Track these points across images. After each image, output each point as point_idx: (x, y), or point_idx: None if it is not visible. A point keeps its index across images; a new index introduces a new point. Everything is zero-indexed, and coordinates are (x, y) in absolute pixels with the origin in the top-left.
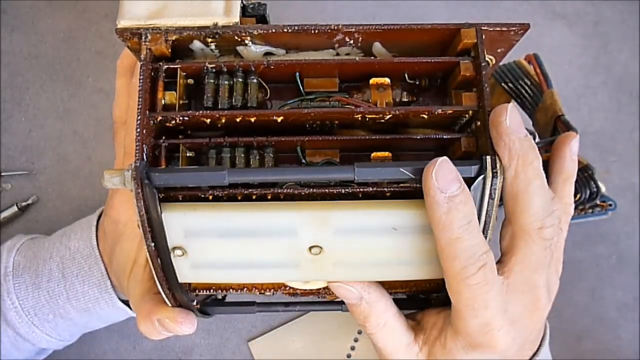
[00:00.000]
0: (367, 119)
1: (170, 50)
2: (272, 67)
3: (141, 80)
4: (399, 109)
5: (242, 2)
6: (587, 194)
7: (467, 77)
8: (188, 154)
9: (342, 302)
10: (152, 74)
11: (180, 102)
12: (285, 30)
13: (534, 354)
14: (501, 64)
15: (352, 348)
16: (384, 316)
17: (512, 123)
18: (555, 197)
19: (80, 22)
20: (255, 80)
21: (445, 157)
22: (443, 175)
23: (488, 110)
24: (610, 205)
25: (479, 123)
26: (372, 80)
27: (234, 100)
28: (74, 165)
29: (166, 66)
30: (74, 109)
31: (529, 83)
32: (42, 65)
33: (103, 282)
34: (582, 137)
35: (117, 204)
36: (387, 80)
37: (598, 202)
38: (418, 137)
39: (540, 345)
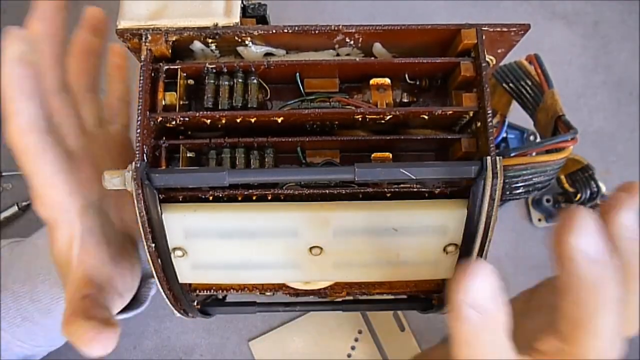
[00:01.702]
0: (368, 120)
1: (170, 50)
2: (272, 67)
3: (141, 81)
4: (399, 109)
5: (242, 2)
6: (588, 194)
7: (467, 77)
8: (188, 155)
9: (342, 302)
10: (153, 74)
11: (181, 102)
12: (286, 30)
13: None
14: (502, 64)
15: (353, 348)
16: None
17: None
18: None
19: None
20: (255, 81)
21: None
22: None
23: (488, 112)
24: None
25: (479, 124)
26: (373, 81)
27: (234, 101)
28: None
29: (166, 67)
30: None
31: (530, 83)
32: None
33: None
34: (582, 137)
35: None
36: (387, 80)
37: (598, 202)
38: (418, 138)
39: None
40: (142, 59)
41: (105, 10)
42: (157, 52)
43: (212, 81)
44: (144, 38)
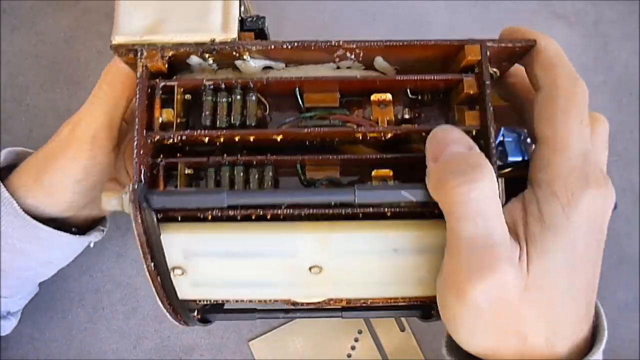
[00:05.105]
0: (368, 137)
1: (166, 65)
2: (271, 83)
3: (138, 98)
4: (400, 128)
5: (240, 15)
6: None
7: (470, 94)
8: (186, 171)
9: (341, 310)
10: (149, 90)
11: (178, 120)
12: (285, 46)
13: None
14: None
15: (353, 348)
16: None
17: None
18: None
19: (80, 22)
20: (254, 98)
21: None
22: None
23: (491, 131)
24: None
25: (482, 142)
26: (374, 97)
27: (232, 119)
28: None
29: (163, 83)
30: (75, 109)
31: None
32: (42, 65)
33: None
34: None
35: (85, 117)
36: (388, 96)
37: None
38: (420, 156)
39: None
40: (138, 76)
41: (105, 10)
42: (153, 68)
43: (209, 97)
44: (139, 54)
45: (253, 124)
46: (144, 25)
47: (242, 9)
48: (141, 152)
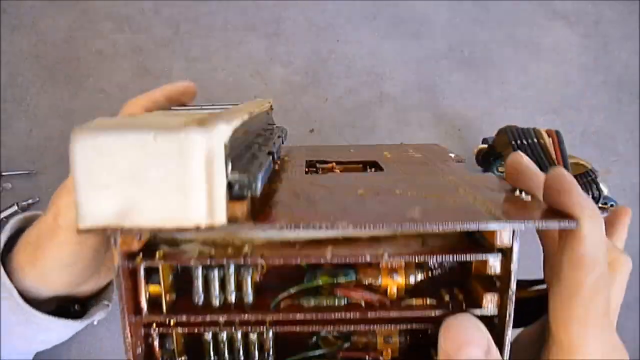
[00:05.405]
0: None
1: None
2: (269, 263)
3: (119, 284)
4: (410, 310)
5: (227, 175)
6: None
7: (492, 274)
8: (183, 338)
9: None
10: (130, 272)
11: (167, 297)
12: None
13: None
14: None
15: None
16: None
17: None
18: None
19: (80, 22)
20: (249, 276)
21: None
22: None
23: (509, 322)
24: (611, 206)
25: (497, 332)
26: (385, 263)
27: (227, 295)
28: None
29: (145, 264)
30: (75, 109)
31: (542, 155)
32: (43, 65)
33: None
34: (583, 137)
35: (63, 208)
36: (401, 264)
37: (600, 204)
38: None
39: None
40: (116, 265)
41: (105, 10)
42: (131, 249)
43: (200, 274)
44: (112, 241)
45: (250, 300)
46: (112, 210)
47: (229, 168)
48: (130, 334)
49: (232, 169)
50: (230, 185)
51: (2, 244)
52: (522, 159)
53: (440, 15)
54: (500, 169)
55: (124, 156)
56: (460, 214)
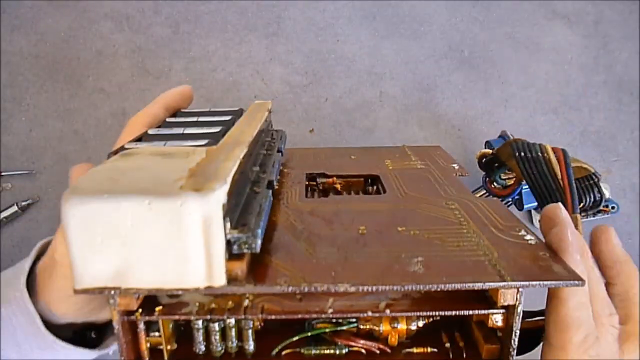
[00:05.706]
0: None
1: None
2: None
3: (119, 338)
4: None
5: (225, 234)
6: (591, 201)
7: (494, 327)
8: None
9: None
10: (130, 324)
11: (168, 347)
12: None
13: None
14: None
15: None
16: None
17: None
18: None
19: (80, 22)
20: (250, 331)
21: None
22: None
23: None
24: (612, 208)
25: None
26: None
27: (228, 344)
28: (75, 165)
29: (144, 319)
30: (74, 109)
31: (545, 171)
32: (42, 65)
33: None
34: (583, 137)
35: (57, 244)
36: (403, 317)
37: (602, 207)
38: None
39: None
40: (115, 322)
41: (105, 10)
42: (129, 307)
43: (200, 325)
44: (111, 302)
45: (251, 349)
46: (109, 272)
47: (227, 227)
48: None
49: (231, 226)
50: (229, 242)
51: (27, 269)
52: (561, 212)
53: (440, 15)
54: (503, 176)
55: (117, 222)
56: (464, 268)
